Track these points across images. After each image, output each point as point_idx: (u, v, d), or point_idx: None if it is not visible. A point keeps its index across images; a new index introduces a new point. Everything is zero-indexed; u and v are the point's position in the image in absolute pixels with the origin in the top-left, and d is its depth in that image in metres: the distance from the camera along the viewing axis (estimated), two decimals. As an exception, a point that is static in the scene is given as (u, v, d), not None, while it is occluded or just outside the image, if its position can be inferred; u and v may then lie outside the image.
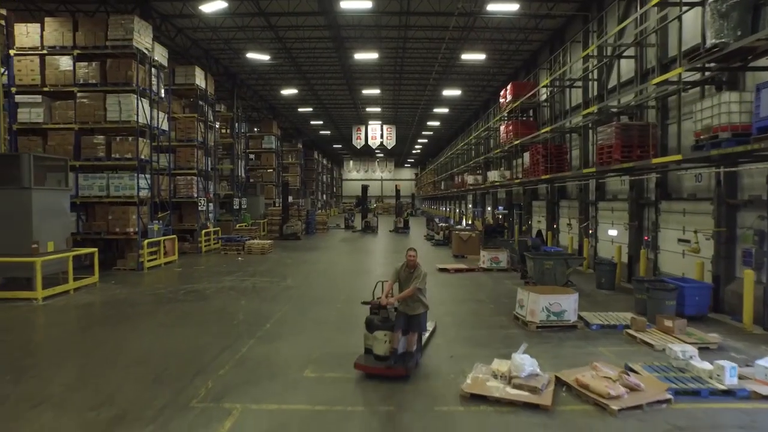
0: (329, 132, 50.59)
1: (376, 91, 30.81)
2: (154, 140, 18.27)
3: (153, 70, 17.90)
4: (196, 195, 21.95)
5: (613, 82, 15.40)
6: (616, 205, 15.59)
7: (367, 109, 37.26)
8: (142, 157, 17.00)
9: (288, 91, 30.33)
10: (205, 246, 22.57)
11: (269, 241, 22.82)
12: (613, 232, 15.75)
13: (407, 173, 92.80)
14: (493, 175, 26.13)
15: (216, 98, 30.49)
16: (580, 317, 9.57)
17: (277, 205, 37.27)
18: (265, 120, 38.11)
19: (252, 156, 38.81)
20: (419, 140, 56.32)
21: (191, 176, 21.98)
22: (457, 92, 30.59)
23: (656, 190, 13.05)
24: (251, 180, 37.38)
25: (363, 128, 43.04)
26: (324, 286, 14.25)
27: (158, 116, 18.18)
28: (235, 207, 27.60)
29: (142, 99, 16.87)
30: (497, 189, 28.58)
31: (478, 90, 32.05)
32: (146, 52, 17.08)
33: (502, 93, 24.02)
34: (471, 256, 20.53)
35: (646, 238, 13.60)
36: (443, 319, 10.38)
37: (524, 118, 23.76)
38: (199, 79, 22.26)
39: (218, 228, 24.46)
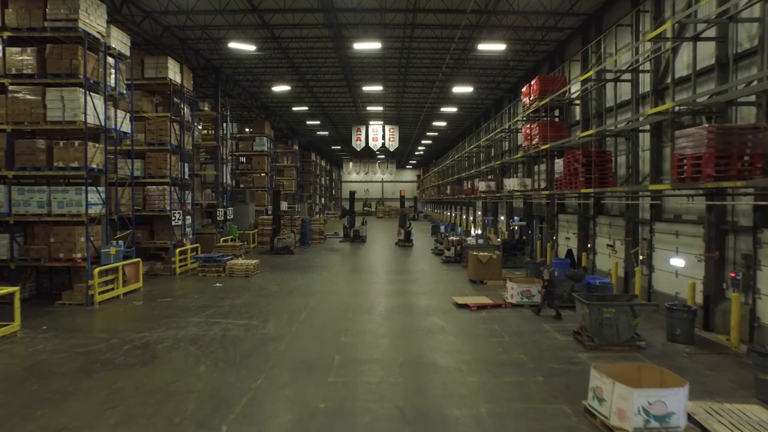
0: (327, 133, 47.45)
1: (378, 88, 27.67)
2: (115, 144, 15.14)
3: (110, 60, 14.73)
4: (169, 207, 18.80)
5: (680, 71, 12.24)
6: (684, 228, 12.42)
7: (368, 108, 34.13)
8: (94, 165, 13.84)
9: (280, 88, 27.19)
10: (180, 267, 19.42)
11: (254, 261, 19.66)
12: (677, 262, 12.59)
13: (409, 175, 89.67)
14: (512, 184, 22.96)
15: (198, 96, 27.39)
16: (690, 417, 6.42)
17: (269, 213, 34.11)
18: (257, 120, 34.94)
19: (243, 159, 35.65)
20: (423, 141, 53.12)
21: (163, 185, 18.84)
22: (468, 89, 27.43)
23: (754, 215, 9.87)
24: (241, 186, 34.23)
25: (363, 129, 39.89)
26: (313, 335, 11.08)
27: (115, 115, 15.00)
28: (218, 218, 24.45)
29: (93, 94, 13.70)
30: (514, 198, 25.42)
31: (492, 87, 28.90)
32: (98, 36, 13.91)
33: (524, 89, 20.85)
34: (491, 281, 17.38)
35: (732, 275, 10.44)
36: (478, 407, 7.21)
37: (548, 119, 20.59)
38: (173, 72, 19.10)
39: (197, 245, 21.29)
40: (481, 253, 17.97)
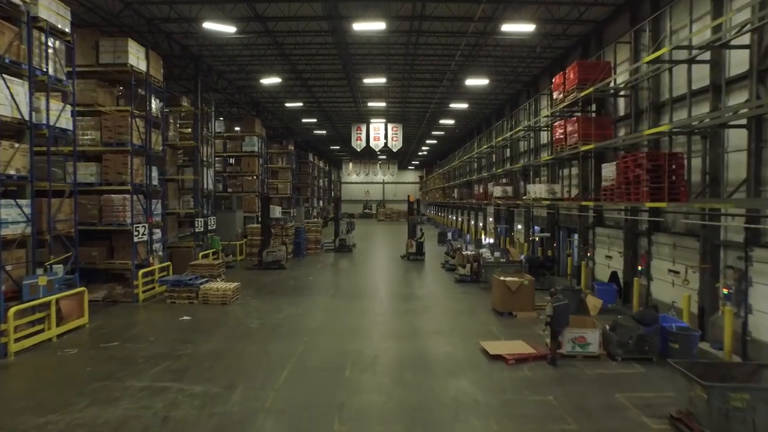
0: (325, 132, 44.15)
1: (381, 80, 24.37)
2: (48, 144, 11.87)
3: (39, 35, 11.47)
4: (130, 220, 15.54)
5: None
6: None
7: (369, 104, 30.83)
8: (12, 171, 10.57)
9: (269, 80, 23.89)
10: (145, 292, 16.13)
11: (233, 285, 16.36)
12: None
13: (411, 176, 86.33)
14: (537, 191, 19.67)
15: (179, 89, 24.15)
16: None
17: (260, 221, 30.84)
18: (246, 118, 31.65)
19: (232, 161, 32.38)
20: (428, 141, 49.81)
21: (123, 194, 15.58)
22: (482, 82, 24.16)
23: None
24: (229, 190, 30.96)
25: (364, 128, 36.61)
26: (294, 419, 7.79)
27: (47, 107, 11.71)
28: (197, 229, 21.14)
29: (10, 78, 10.44)
30: (534, 206, 22.13)
31: (510, 79, 25.63)
32: (18, 3, 10.65)
33: (556, 79, 17.55)
34: (521, 313, 14.12)
35: None
36: None
37: (583, 113, 17.32)
38: (136, 57, 15.80)
39: (168, 263, 18.02)
40: (509, 279, 14.67)
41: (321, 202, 63.38)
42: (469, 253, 21.48)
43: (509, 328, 12.98)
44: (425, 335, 12.35)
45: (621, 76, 15.15)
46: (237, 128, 31.50)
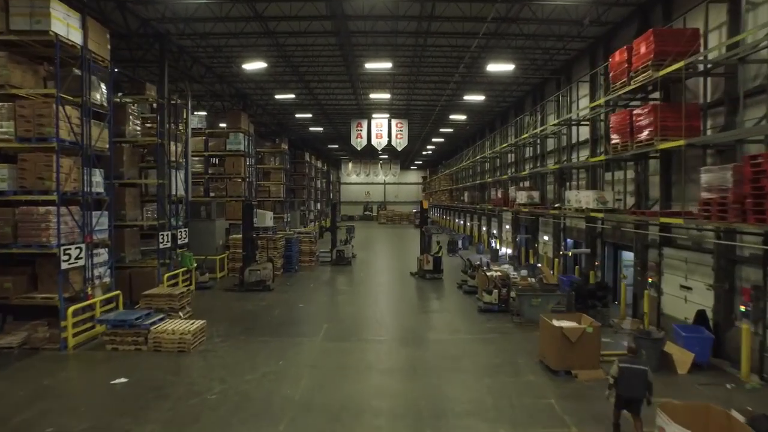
0: (322, 129, 40.22)
1: (386, 65, 20.47)
2: None
3: None
4: (56, 240, 11.68)
5: None
6: None
7: (371, 96, 26.90)
8: None
9: (253, 66, 20.00)
10: (78, 335, 12.25)
11: (196, 326, 12.42)
12: None
13: (413, 176, 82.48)
14: (583, 199, 15.76)
15: (144, 76, 20.29)
16: None
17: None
18: (231, 112, 27.74)
19: (215, 161, 28.48)
20: (435, 139, 45.81)
21: (47, 206, 11.73)
22: (506, 67, 20.30)
23: None
24: (212, 195, 27.06)
25: (365, 124, 32.74)
26: None
27: None
28: (162, 245, 17.22)
29: None
30: (566, 216, 18.23)
31: (537, 65, 21.77)
32: None
33: (615, 57, 13.59)
34: (585, 373, 10.23)
35: None
36: None
37: (644, 100, 13.45)
38: (64, 24, 11.90)
39: (117, 292, 14.11)
40: (565, 324, 10.76)
41: (319, 205, 59.50)
42: (494, 273, 17.57)
43: (574, 400, 9.11)
44: (455, 419, 8.47)
45: (713, 51, 11.25)
46: (223, 125, 27.56)
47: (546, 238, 23.92)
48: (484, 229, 38.07)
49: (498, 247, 31.03)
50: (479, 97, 26.48)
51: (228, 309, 16.25)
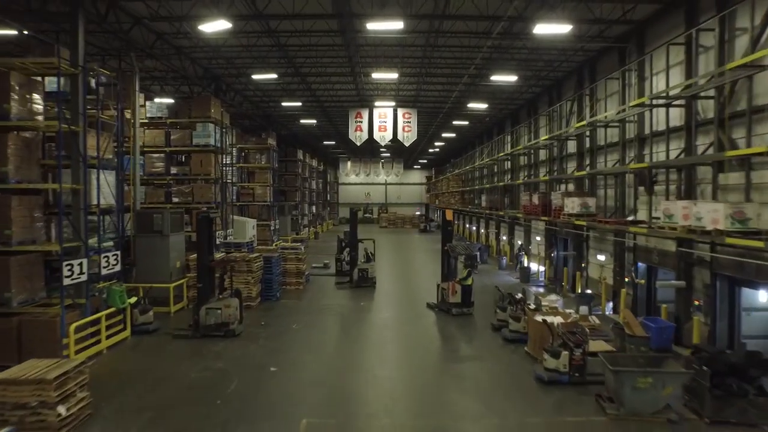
0: (315, 121, 34.62)
1: (397, 25, 14.92)
2: None
3: None
4: None
5: None
6: None
7: (374, 76, 21.25)
8: None
9: (213, 26, 14.44)
10: None
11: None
12: None
13: (416, 176, 77.07)
14: (705, 213, 10.25)
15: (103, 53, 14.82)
16: None
17: (223, 243, 21.51)
18: (198, 98, 22.25)
19: (182, 158, 22.94)
20: (445, 134, 40.13)
21: None
22: (559, 29, 14.81)
23: None
24: (175, 201, 21.60)
25: (365, 114, 27.28)
26: None
27: None
28: (70, 279, 11.70)
29: None
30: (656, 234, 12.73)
31: (572, 51, 16.36)
32: None
33: None
34: None
35: None
36: None
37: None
38: None
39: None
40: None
41: (314, 208, 54.01)
42: (554, 320, 12.07)
43: None
44: None
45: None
46: (192, 117, 21.93)
47: (601, 257, 18.46)
48: (504, 238, 32.58)
49: (527, 264, 25.54)
50: (509, 78, 20.95)
51: (159, 380, 10.78)
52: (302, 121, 33.16)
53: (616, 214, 16.87)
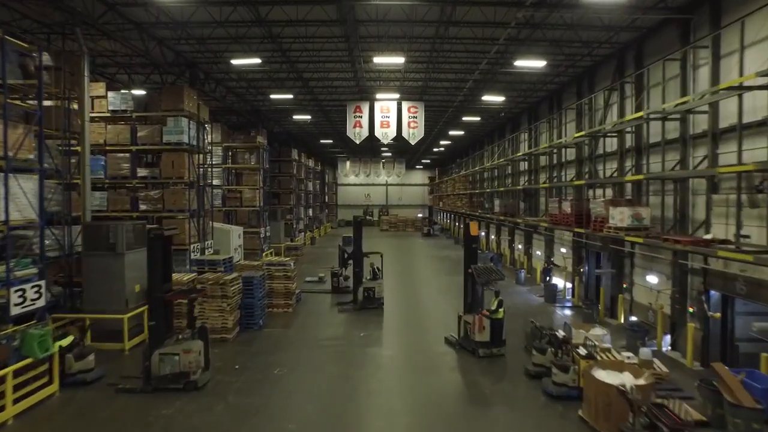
0: (309, 117, 31.31)
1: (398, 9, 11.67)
2: None
3: None
4: None
5: None
6: None
7: (376, 61, 17.93)
8: None
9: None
10: None
11: None
12: None
13: (418, 177, 73.86)
14: None
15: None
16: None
17: (195, 262, 18.25)
18: (168, 89, 18.98)
19: (152, 158, 19.65)
20: (452, 132, 36.78)
21: None
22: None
23: None
24: (142, 208, 18.38)
25: (366, 108, 24.01)
26: None
27: None
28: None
29: None
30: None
31: (619, 27, 13.08)
32: None
33: None
34: None
35: None
36: None
37: None
38: None
39: None
40: None
41: (311, 211, 50.73)
42: (624, 379, 8.83)
43: None
44: None
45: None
46: (164, 113, 18.61)
47: (651, 279, 15.20)
48: (520, 247, 29.32)
49: (551, 279, 22.28)
50: (536, 63, 17.68)
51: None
52: (295, 116, 29.88)
53: (675, 228, 13.64)
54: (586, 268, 19.77)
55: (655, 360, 11.60)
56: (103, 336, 13.27)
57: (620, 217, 13.91)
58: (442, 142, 42.76)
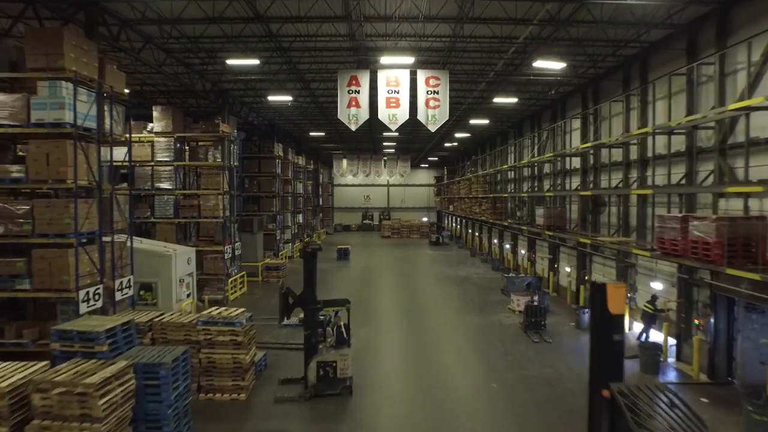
0: (291, 98, 23.72)
1: None
2: None
3: None
4: None
5: None
6: None
7: (376, 20, 10.73)
8: None
9: None
10: None
11: None
12: None
13: (423, 176, 66.74)
14: None
15: None
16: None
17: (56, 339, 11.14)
18: (40, 33, 11.75)
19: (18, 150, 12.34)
20: (474, 121, 29.14)
21: None
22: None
23: None
24: None
25: (365, 79, 16.65)
26: None
27: None
28: None
29: None
30: None
31: None
32: None
33: None
34: None
35: None
36: None
37: None
38: None
39: None
40: None
41: (301, 217, 43.50)
42: None
43: None
44: None
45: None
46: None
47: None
48: (567, 269, 22.08)
49: (647, 334, 15.01)
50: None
51: None
52: (272, 98, 22.46)
53: None
54: (712, 318, 12.54)
55: None
56: None
57: None
58: (457, 135, 35.35)
